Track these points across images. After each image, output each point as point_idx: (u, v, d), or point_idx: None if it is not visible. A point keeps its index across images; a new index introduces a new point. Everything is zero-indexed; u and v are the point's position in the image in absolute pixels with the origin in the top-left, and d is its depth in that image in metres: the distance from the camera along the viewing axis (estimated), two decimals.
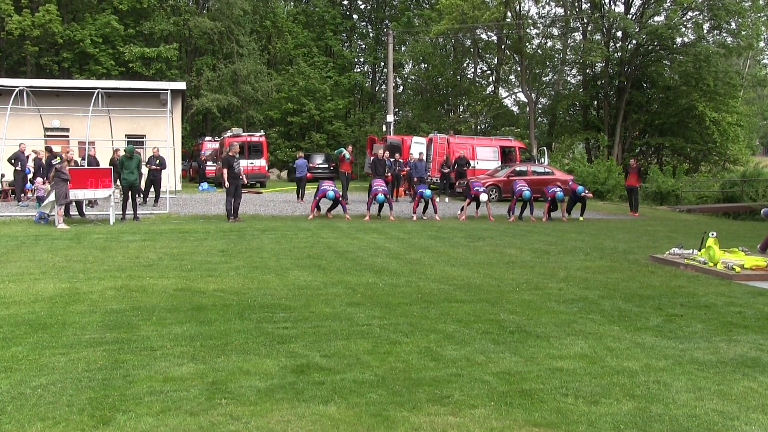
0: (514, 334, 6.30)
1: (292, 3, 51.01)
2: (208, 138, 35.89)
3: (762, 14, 33.24)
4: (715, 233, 10.72)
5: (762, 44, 38.13)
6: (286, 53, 46.54)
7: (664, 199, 30.10)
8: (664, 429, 4.14)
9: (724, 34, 35.36)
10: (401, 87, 47.71)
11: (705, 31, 35.36)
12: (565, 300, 7.91)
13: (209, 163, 32.70)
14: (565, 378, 5.05)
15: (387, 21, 48.35)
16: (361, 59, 51.41)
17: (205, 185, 29.62)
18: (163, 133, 20.73)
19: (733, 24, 34.47)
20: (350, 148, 24.27)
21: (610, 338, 6.20)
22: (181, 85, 28.60)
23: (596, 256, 11.65)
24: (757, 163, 37.44)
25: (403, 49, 45.52)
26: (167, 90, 20.44)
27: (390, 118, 35.28)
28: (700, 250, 10.83)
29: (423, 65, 44.53)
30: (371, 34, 50.77)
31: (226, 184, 16.31)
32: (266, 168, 33.35)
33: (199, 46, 42.06)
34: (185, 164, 36.84)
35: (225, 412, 4.29)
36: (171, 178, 22.99)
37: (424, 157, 26.19)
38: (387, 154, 22.87)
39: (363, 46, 51.32)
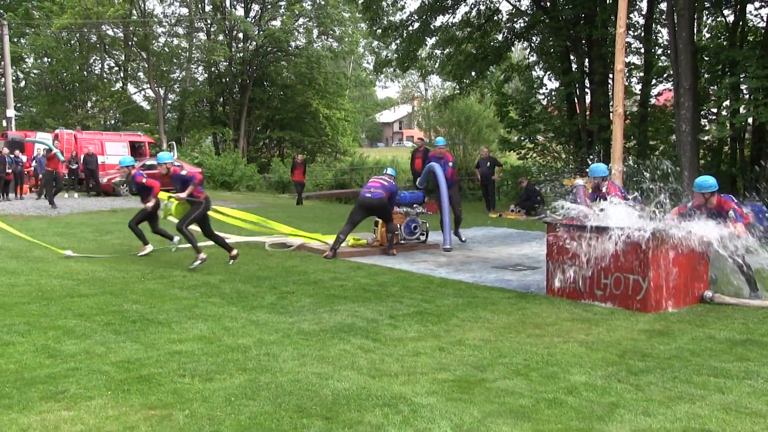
0: (137, 323, 6.36)
1: None
2: None
3: (358, 24, 38.08)
4: None
5: (361, 50, 43.73)
6: None
7: (285, 188, 32.69)
8: (270, 395, 4.51)
9: (331, 40, 40.37)
10: (23, 81, 43.33)
11: (315, 36, 39.96)
12: (188, 286, 8.16)
13: None
14: (183, 360, 5.27)
15: (1, 11, 42.61)
16: None
17: None
18: None
19: (337, 31, 39.47)
20: None
21: (228, 319, 6.60)
22: None
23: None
24: (361, 154, 43.06)
25: (23, 41, 41.14)
26: None
27: (10, 113, 32.07)
28: None
29: (46, 59, 41.05)
30: None
31: None
32: None
33: None
34: None
35: None
36: None
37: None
38: (6, 150, 21.44)
39: None
